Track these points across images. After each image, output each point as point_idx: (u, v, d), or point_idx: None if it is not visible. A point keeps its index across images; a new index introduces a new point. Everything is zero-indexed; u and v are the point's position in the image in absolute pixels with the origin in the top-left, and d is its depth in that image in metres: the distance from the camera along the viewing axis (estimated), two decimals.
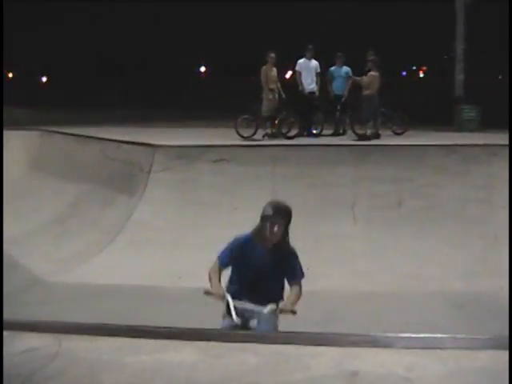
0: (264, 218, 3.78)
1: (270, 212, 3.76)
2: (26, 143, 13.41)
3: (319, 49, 12.40)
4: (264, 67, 11.80)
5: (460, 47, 14.91)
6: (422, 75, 47.81)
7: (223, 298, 3.74)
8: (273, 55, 11.83)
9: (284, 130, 11.66)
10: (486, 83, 23.08)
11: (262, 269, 3.79)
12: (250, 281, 3.80)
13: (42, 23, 38.23)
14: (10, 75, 41.38)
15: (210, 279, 3.83)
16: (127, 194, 9.58)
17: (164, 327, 3.37)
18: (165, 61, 39.58)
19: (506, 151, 9.04)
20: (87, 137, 12.00)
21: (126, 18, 38.52)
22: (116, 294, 7.14)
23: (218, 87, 30.10)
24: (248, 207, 6.99)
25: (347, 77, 12.24)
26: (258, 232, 3.83)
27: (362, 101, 11.71)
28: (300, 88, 12.01)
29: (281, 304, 3.76)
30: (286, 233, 3.83)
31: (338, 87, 12.31)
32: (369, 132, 11.41)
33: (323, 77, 12.37)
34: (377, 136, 11.43)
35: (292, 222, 3.83)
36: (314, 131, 12.05)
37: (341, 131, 12.38)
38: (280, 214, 3.78)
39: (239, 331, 3.57)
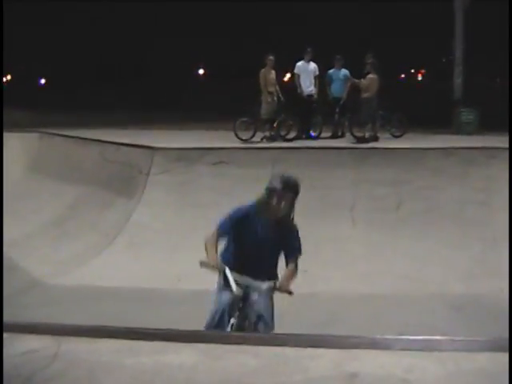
0: (271, 191, 3.58)
1: (278, 185, 3.57)
2: (25, 145, 13.38)
3: (318, 51, 12.44)
4: (263, 70, 11.81)
5: (460, 47, 14.89)
6: (420, 78, 47.92)
7: (220, 269, 3.60)
8: (271, 58, 11.84)
9: (283, 133, 11.66)
10: (485, 86, 23.12)
11: (262, 243, 3.63)
12: (248, 254, 3.64)
13: (41, 23, 38.10)
14: (9, 77, 41.38)
15: (207, 250, 3.68)
16: (126, 196, 9.58)
17: (163, 329, 3.38)
18: (164, 63, 39.58)
19: (505, 154, 9.07)
20: (86, 139, 11.99)
21: (125, 18, 38.44)
22: (115, 296, 7.11)
23: (217, 89, 30.12)
24: None
25: (346, 79, 12.26)
26: (263, 205, 3.63)
27: (360, 103, 11.75)
28: (299, 91, 12.04)
29: (278, 283, 3.64)
30: (292, 208, 3.66)
31: (337, 90, 12.33)
32: (367, 134, 11.45)
33: (322, 79, 12.39)
34: (375, 138, 11.45)
35: None
36: (313, 134, 12.08)
37: (339, 134, 12.39)
38: (289, 188, 3.59)
39: (238, 333, 3.57)
